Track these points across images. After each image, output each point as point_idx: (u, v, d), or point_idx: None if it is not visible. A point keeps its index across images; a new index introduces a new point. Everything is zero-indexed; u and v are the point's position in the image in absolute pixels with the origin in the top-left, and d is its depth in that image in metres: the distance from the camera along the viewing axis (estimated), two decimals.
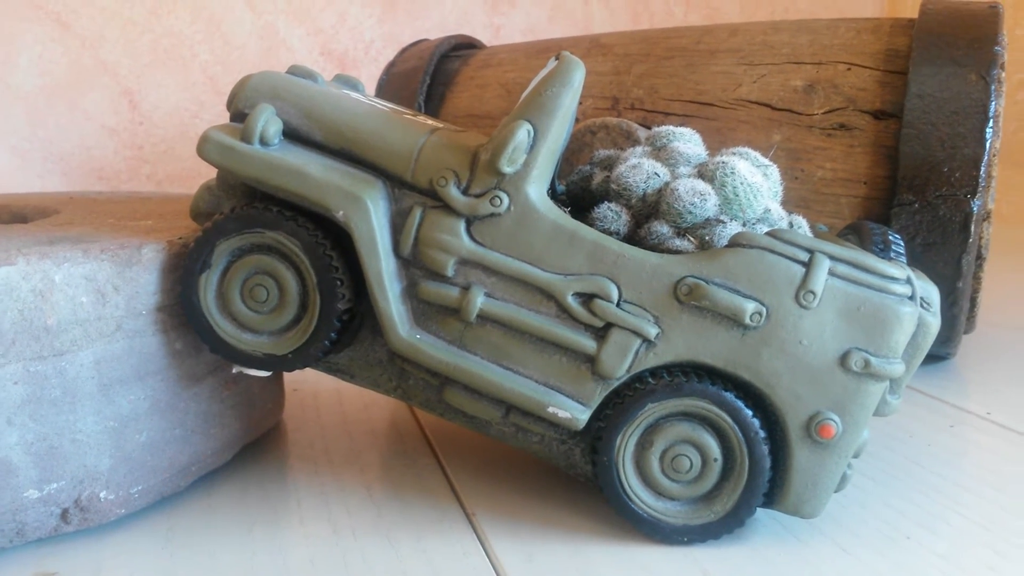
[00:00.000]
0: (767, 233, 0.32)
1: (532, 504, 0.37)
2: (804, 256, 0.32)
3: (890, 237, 0.39)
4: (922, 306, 0.34)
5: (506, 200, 0.33)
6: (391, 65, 0.64)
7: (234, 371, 0.37)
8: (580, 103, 0.56)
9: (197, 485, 0.39)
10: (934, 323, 0.34)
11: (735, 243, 0.32)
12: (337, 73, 0.42)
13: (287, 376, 0.52)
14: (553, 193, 0.39)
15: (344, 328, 0.35)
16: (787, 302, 0.32)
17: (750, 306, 0.32)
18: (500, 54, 0.62)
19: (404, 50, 0.66)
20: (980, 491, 0.39)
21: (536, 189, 0.33)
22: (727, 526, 0.34)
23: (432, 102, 0.61)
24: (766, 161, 0.38)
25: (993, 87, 0.47)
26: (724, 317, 0.32)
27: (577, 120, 0.56)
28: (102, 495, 0.34)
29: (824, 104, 0.50)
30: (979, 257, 0.49)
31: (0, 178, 0.97)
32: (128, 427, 0.35)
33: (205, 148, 0.33)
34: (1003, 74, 0.48)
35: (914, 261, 0.48)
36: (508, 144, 0.32)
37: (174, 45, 1.04)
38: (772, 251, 0.32)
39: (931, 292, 0.35)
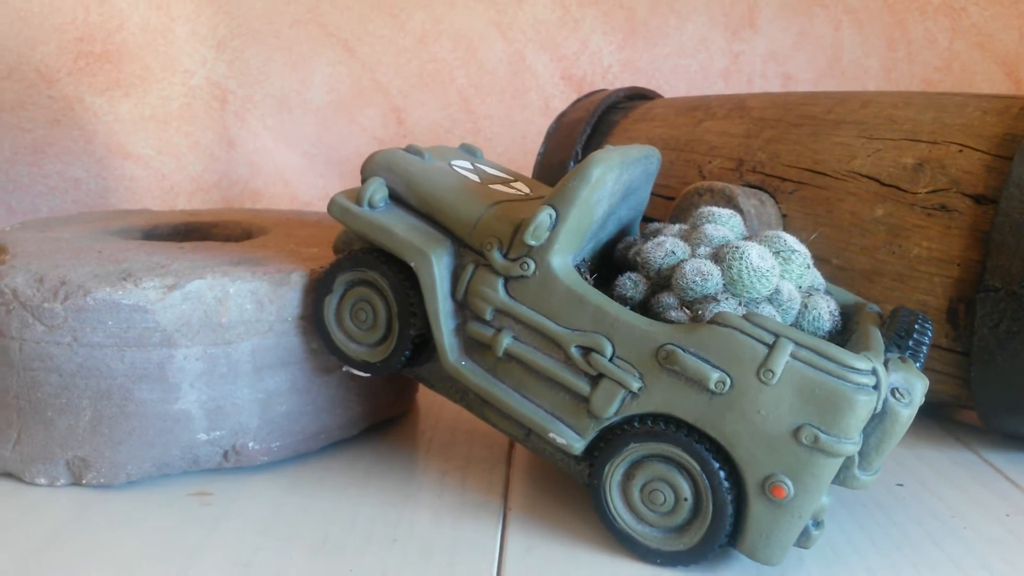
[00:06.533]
0: (744, 315, 0.38)
1: (562, 511, 0.46)
2: (770, 339, 0.37)
3: (916, 325, 0.42)
4: (894, 396, 0.38)
5: (532, 266, 0.41)
6: (562, 115, 0.73)
7: (343, 369, 0.49)
8: (710, 162, 0.62)
9: (327, 449, 0.52)
10: (904, 413, 0.38)
11: (713, 320, 0.38)
12: (463, 142, 0.52)
13: None
14: (608, 261, 0.47)
15: (418, 349, 0.45)
16: (749, 376, 0.37)
17: (715, 375, 0.38)
18: (656, 109, 0.69)
19: (577, 100, 0.75)
20: None
21: (559, 259, 0.41)
22: (693, 557, 0.40)
23: (589, 152, 0.69)
24: (796, 247, 0.42)
25: None
26: (694, 381, 0.38)
27: (703, 179, 0.62)
28: (250, 445, 0.48)
29: (929, 184, 0.52)
30: None
31: (292, 176, 1.20)
32: (272, 400, 0.48)
33: (332, 207, 0.45)
34: None
35: (997, 347, 0.49)
36: (531, 224, 0.40)
37: (437, 70, 1.20)
38: (742, 331, 0.38)
39: (913, 384, 0.38)
